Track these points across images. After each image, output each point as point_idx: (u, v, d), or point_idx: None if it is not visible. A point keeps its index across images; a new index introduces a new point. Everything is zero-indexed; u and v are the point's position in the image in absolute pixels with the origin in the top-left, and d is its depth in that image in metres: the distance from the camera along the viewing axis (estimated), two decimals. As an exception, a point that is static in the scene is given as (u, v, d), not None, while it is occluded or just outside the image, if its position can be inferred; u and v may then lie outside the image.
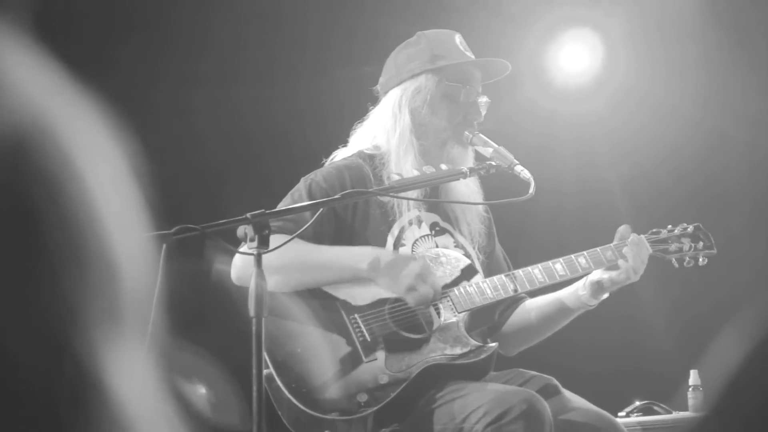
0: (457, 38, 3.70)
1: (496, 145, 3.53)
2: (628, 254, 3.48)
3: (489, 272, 3.65)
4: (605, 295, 3.56)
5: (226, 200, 5.22)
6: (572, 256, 3.53)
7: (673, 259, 3.67)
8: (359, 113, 3.73)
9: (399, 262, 3.38)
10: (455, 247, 3.61)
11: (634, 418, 4.71)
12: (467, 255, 3.60)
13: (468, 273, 3.52)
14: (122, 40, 5.37)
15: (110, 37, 5.35)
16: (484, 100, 3.65)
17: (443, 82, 3.61)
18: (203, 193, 5.40)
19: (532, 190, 3.38)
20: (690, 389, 4.77)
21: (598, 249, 3.53)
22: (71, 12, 5.14)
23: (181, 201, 5.19)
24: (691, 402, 4.74)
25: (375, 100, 3.72)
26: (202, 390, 4.69)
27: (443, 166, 3.38)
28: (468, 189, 3.65)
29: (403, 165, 3.51)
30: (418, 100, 3.61)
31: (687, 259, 3.68)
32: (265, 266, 2.84)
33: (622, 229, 3.57)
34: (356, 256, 3.40)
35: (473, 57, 3.69)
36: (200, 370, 4.64)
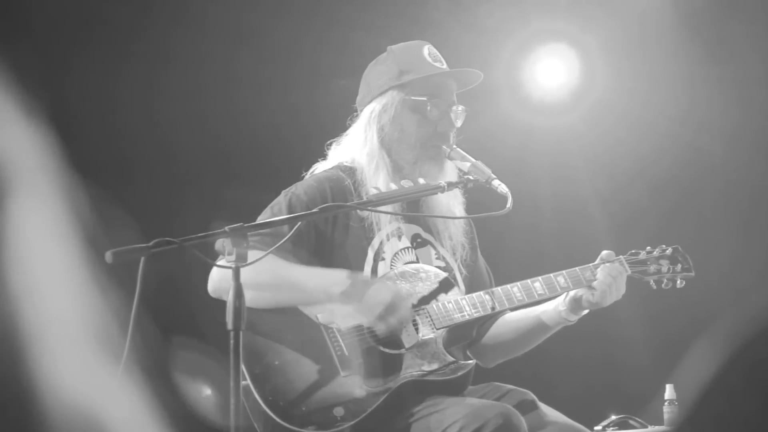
0: (426, 50, 3.67)
1: (473, 160, 3.53)
2: (599, 276, 3.50)
3: (471, 286, 3.64)
4: (585, 312, 3.57)
5: (204, 213, 5.21)
6: (551, 275, 3.54)
7: (651, 281, 3.69)
8: (339, 126, 3.73)
9: (372, 291, 3.36)
10: (437, 258, 3.61)
11: (610, 432, 4.72)
12: (448, 267, 3.60)
13: (445, 286, 3.51)
14: (96, 55, 5.34)
15: (83, 51, 5.32)
16: (459, 108, 3.63)
17: (408, 97, 3.61)
18: (181, 207, 5.38)
19: (509, 204, 3.39)
20: (666, 403, 4.77)
21: (577, 269, 3.55)
22: (46, 18, 5.13)
23: (160, 214, 5.18)
24: (666, 416, 4.75)
25: (355, 114, 3.72)
26: (207, 391, 4.67)
27: (421, 180, 3.38)
28: (450, 201, 3.64)
29: (376, 181, 3.50)
30: (384, 118, 3.61)
31: (665, 281, 3.70)
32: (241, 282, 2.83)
33: (605, 254, 3.58)
34: (330, 280, 3.37)
35: (444, 66, 3.67)
36: (206, 371, 4.62)
